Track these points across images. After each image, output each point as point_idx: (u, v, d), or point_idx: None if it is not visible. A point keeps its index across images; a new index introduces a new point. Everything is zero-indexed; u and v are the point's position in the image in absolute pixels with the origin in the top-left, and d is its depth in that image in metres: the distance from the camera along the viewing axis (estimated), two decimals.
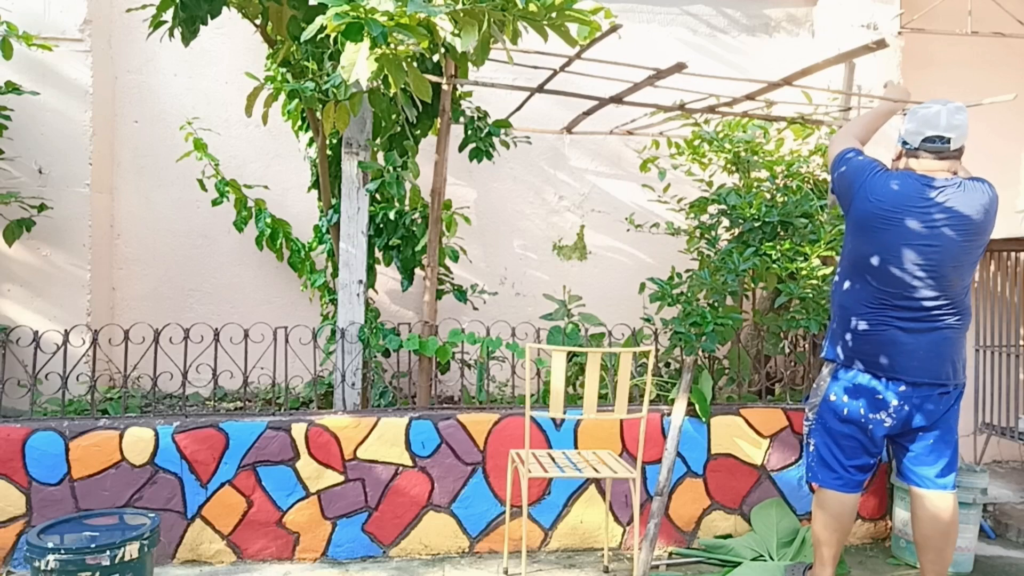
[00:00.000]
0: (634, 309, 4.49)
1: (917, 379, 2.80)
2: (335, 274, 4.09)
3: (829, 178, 3.11)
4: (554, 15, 2.86)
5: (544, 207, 4.84)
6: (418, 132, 3.92)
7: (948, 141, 2.77)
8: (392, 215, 3.88)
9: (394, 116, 3.77)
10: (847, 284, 2.94)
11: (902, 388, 2.82)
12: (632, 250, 4.88)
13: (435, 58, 3.69)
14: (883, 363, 2.83)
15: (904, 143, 2.86)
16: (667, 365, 4.31)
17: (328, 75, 3.51)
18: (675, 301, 3.90)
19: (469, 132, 3.97)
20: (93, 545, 2.54)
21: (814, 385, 3.09)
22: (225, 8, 3.42)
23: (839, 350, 2.96)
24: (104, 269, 4.41)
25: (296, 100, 3.74)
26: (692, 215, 4.27)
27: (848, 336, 2.92)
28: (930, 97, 2.94)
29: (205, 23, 3.42)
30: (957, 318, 2.80)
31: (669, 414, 3.64)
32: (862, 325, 2.86)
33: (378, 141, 3.86)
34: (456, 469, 3.52)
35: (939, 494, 2.86)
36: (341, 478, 3.45)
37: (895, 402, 2.83)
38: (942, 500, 2.85)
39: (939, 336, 2.78)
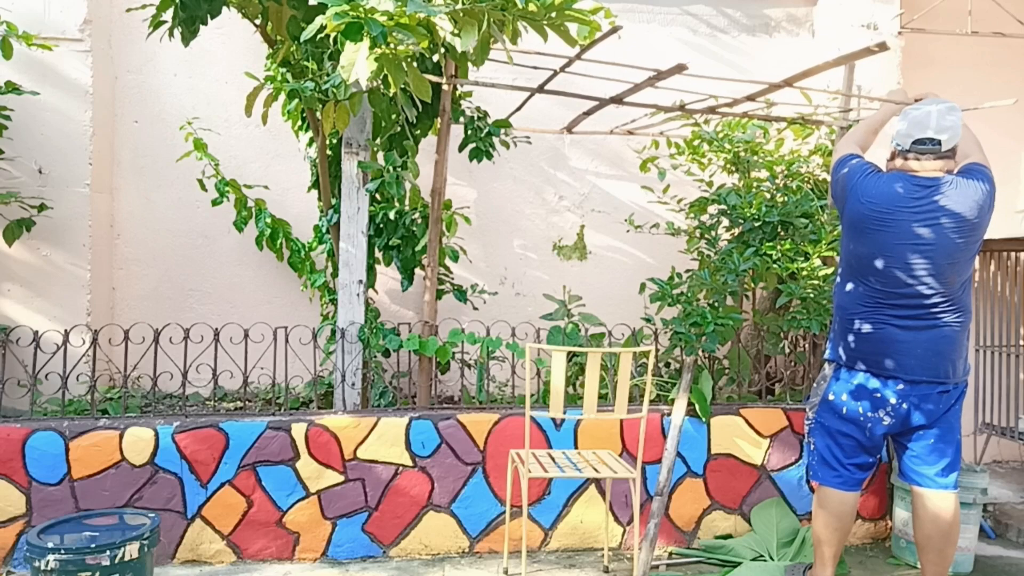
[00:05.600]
0: (634, 309, 4.49)
1: (915, 377, 2.80)
2: (335, 274, 4.09)
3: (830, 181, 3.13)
4: (554, 15, 2.86)
5: (544, 207, 4.84)
6: (418, 132, 3.92)
7: (939, 143, 2.77)
8: (392, 215, 3.88)
9: (394, 116, 3.77)
10: (845, 285, 2.96)
11: (900, 386, 2.82)
12: (632, 250, 4.88)
13: (435, 58, 3.69)
14: (881, 362, 2.83)
15: (897, 144, 2.87)
16: (667, 365, 4.30)
17: (328, 75, 3.51)
18: (675, 301, 3.89)
19: (469, 132, 3.96)
20: (93, 545, 2.54)
21: (814, 384, 3.11)
22: (225, 8, 3.42)
23: (839, 350, 2.97)
24: (104, 269, 4.41)
25: (296, 100, 3.74)
26: (692, 215, 4.27)
27: (847, 336, 2.93)
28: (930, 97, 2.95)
29: (205, 23, 3.42)
30: (956, 316, 2.80)
31: (669, 414, 3.64)
32: (860, 325, 2.87)
33: (378, 141, 3.86)
34: (456, 469, 3.52)
35: (940, 494, 2.86)
36: (341, 478, 3.45)
37: (893, 400, 2.84)
38: (943, 500, 2.85)
39: (937, 334, 2.78)
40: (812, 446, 3.06)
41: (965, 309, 2.83)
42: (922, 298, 2.77)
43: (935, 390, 2.82)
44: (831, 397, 2.98)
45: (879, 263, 2.80)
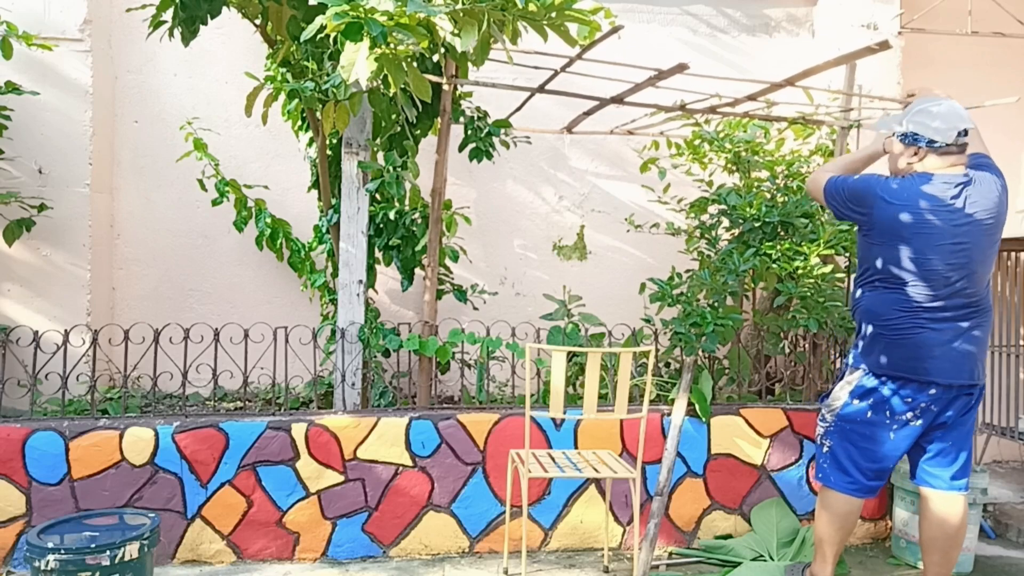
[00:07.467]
0: (634, 309, 4.49)
1: (950, 381, 2.75)
2: (335, 274, 4.09)
3: (822, 205, 3.10)
4: (554, 15, 2.86)
5: (544, 207, 4.84)
6: (418, 132, 3.92)
7: (967, 133, 2.76)
8: (392, 215, 3.88)
9: (394, 116, 3.77)
10: (874, 291, 2.86)
11: (933, 391, 2.77)
12: (632, 250, 4.88)
13: (435, 58, 3.69)
14: (916, 367, 2.76)
15: (931, 142, 2.75)
16: (667, 365, 4.30)
17: (328, 75, 3.51)
18: (675, 301, 3.89)
19: (469, 132, 3.96)
20: (93, 545, 2.54)
21: (836, 388, 3.03)
22: (225, 8, 3.42)
23: (867, 357, 2.90)
24: (104, 269, 4.41)
25: (296, 100, 3.74)
26: (692, 215, 4.27)
27: (879, 343, 2.84)
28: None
29: (205, 23, 3.42)
30: (984, 316, 2.78)
31: (669, 414, 3.64)
32: (894, 331, 2.79)
33: (378, 141, 3.86)
34: (456, 469, 3.52)
35: (950, 496, 2.84)
36: (341, 478, 3.45)
37: (924, 404, 2.79)
38: (953, 503, 2.83)
39: (969, 335, 2.75)
40: (825, 448, 2.99)
41: (990, 308, 2.82)
42: (958, 298, 2.72)
43: (964, 392, 2.79)
44: (856, 402, 2.90)
45: (916, 266, 2.73)
